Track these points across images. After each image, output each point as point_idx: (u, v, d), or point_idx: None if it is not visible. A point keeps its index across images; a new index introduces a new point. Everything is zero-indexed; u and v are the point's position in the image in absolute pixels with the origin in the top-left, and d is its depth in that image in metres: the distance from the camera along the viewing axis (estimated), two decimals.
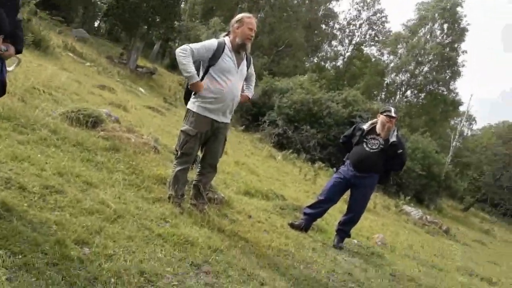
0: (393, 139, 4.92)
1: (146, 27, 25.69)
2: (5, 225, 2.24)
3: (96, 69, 17.94)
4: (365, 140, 5.00)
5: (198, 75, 3.76)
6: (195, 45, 3.75)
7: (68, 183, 3.20)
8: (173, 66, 32.65)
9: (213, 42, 3.81)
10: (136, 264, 2.40)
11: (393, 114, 4.91)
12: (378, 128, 4.97)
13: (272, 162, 13.37)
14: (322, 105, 18.89)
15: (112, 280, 2.16)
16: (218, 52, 3.75)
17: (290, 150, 16.87)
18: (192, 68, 3.64)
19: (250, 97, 4.19)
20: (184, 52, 3.64)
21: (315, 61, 45.86)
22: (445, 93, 37.61)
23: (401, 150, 4.93)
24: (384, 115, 4.93)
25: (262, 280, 2.98)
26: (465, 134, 43.38)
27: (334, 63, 46.18)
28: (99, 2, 33.98)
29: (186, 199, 4.02)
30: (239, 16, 3.93)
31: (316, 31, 42.17)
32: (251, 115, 20.60)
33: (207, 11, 35.28)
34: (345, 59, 45.13)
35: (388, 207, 12.78)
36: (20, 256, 2.03)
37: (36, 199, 2.71)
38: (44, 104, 5.54)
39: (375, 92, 39.88)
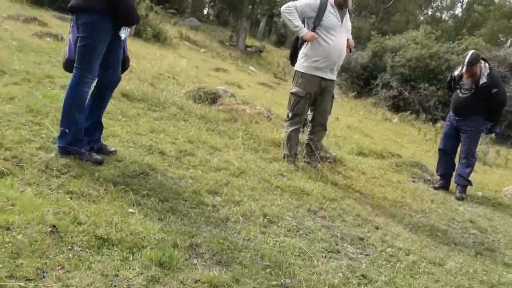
0: (483, 80, 4.80)
1: (250, 6, 26.33)
2: (152, 180, 2.75)
3: (210, 53, 19.13)
4: (458, 86, 5.10)
5: None
6: (299, 3, 3.94)
7: (198, 148, 3.71)
8: (280, 42, 32.99)
9: (316, 0, 3.93)
10: (259, 208, 2.76)
11: (464, 69, 4.86)
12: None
13: (388, 124, 12.98)
14: (441, 59, 17.45)
15: (241, 219, 2.54)
16: (321, 10, 3.89)
17: (408, 112, 16.07)
18: (298, 22, 3.85)
19: (352, 43, 4.22)
20: (289, 9, 3.89)
21: (430, 13, 42.24)
22: None
23: (495, 89, 4.80)
24: (461, 66, 4.94)
25: (377, 225, 3.14)
26: None
27: (451, 12, 42.04)
28: None
29: (300, 159, 4.30)
30: None
31: None
32: (362, 79, 19.96)
33: None
34: (463, 6, 40.74)
35: None
36: (166, 202, 2.50)
37: (173, 161, 3.23)
38: (170, 86, 6.27)
39: (502, 38, 35.42)
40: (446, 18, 41.67)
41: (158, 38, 14.56)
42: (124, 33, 2.73)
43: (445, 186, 5.14)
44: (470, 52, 4.96)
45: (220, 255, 2.04)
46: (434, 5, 42.43)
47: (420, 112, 16.46)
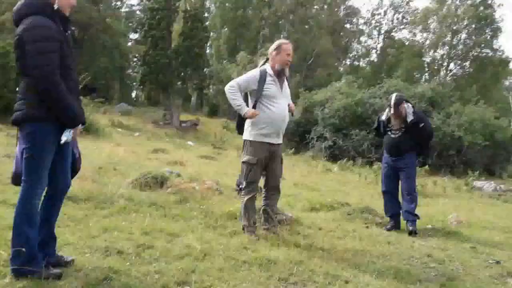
0: (410, 118, 5.24)
1: (180, 82, 26.99)
2: (117, 284, 2.66)
3: (145, 136, 19.14)
4: (388, 128, 5.48)
5: (248, 105, 4.17)
6: (240, 80, 4.20)
7: (155, 239, 3.64)
8: (213, 112, 33.87)
9: (255, 74, 4.20)
10: None
11: (392, 111, 5.29)
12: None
13: (330, 175, 13.48)
14: (366, 105, 18.79)
15: None
16: (261, 81, 4.13)
17: (345, 159, 16.83)
18: (240, 101, 4.08)
19: (293, 107, 4.49)
20: (232, 88, 4.12)
21: (348, 63, 45.61)
22: (490, 54, 35.98)
23: (422, 124, 5.28)
24: (388, 110, 5.40)
25: (346, 279, 3.21)
26: None
27: (368, 59, 45.67)
28: (132, 73, 36.22)
29: (259, 226, 4.34)
30: (276, 43, 4.33)
31: (341, 33, 42.18)
32: (298, 136, 20.84)
33: (232, 48, 36.48)
34: (378, 52, 44.46)
35: (459, 188, 12.38)
36: None
37: (134, 258, 3.15)
38: (113, 179, 6.18)
39: (417, 75, 38.85)
40: (364, 65, 45.10)
41: (90, 129, 14.39)
42: (66, 136, 2.65)
43: (396, 226, 5.37)
44: (394, 95, 5.43)
45: None
46: (351, 55, 45.94)
47: (356, 157, 17.33)
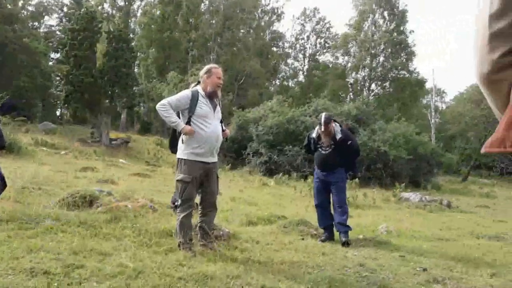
0: (338, 136, 5.57)
1: (107, 101, 26.15)
2: None
3: (73, 154, 18.18)
4: (318, 145, 5.71)
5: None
6: (171, 99, 4.17)
7: (85, 258, 3.44)
8: (146, 129, 33.12)
9: (187, 93, 4.20)
10: None
11: (322, 128, 5.55)
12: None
13: (267, 189, 13.64)
14: (297, 122, 19.42)
15: None
16: (193, 100, 4.14)
17: (281, 174, 17.17)
18: (174, 117, 4.04)
19: (227, 133, 4.56)
20: (163, 106, 4.07)
21: (278, 83, 47.05)
22: (407, 76, 38.90)
23: (350, 141, 5.61)
24: (317, 127, 5.68)
25: None
26: (440, 109, 44.71)
27: (296, 79, 47.49)
28: (55, 92, 34.46)
29: (195, 243, 4.26)
30: (207, 67, 4.41)
31: (269, 55, 43.52)
32: (234, 152, 20.97)
33: (162, 68, 36.13)
34: (305, 73, 46.47)
35: (388, 199, 13.09)
36: None
37: (62, 278, 2.94)
38: (38, 199, 5.79)
39: (342, 95, 40.99)
40: (293, 86, 46.78)
41: (11, 149, 13.42)
42: None
43: (330, 237, 5.53)
44: (323, 114, 5.72)
45: None
46: (280, 76, 47.54)
47: (291, 171, 17.75)
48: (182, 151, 4.14)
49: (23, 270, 3.00)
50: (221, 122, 4.43)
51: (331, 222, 5.63)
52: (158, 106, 4.11)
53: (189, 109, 4.12)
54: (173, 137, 4.34)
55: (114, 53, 25.19)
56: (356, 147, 5.80)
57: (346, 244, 5.24)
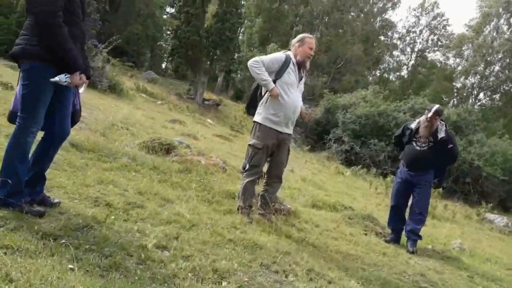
0: (441, 135, 4.97)
1: (208, 62, 26.96)
2: (96, 233, 2.61)
3: (167, 106, 19.16)
4: (414, 139, 5.13)
5: (263, 90, 4.11)
6: (265, 57, 4.08)
7: (148, 200, 3.59)
8: (238, 96, 33.82)
9: (281, 56, 4.10)
10: (210, 263, 2.65)
11: (429, 115, 4.94)
12: (420, 126, 5.07)
13: (341, 178, 13.28)
14: (389, 117, 18.47)
15: (189, 275, 2.42)
16: (284, 65, 4.04)
17: (360, 166, 16.59)
18: (266, 76, 3.95)
19: (311, 116, 4.42)
20: (256, 63, 3.98)
21: (378, 74, 45.08)
22: None
23: (451, 145, 5.00)
24: (424, 116, 5.04)
25: (330, 279, 3.09)
26: None
27: (398, 73, 45.12)
28: (164, 44, 36.35)
29: (254, 211, 4.25)
30: (300, 36, 4.26)
31: (375, 43, 41.63)
32: (316, 134, 20.64)
33: (264, 39, 36.28)
34: (409, 68, 43.93)
35: (470, 217, 12.08)
36: (110, 258, 2.35)
37: (121, 213, 3.09)
38: (123, 137, 6.16)
39: (445, 98, 38.18)
40: (393, 79, 44.60)
41: (114, 89, 14.48)
42: (59, 77, 2.60)
43: (396, 240, 5.18)
44: (436, 105, 5.11)
45: None
46: (382, 66, 45.45)
47: (371, 166, 17.07)
48: (259, 115, 4.09)
49: (88, 197, 3.19)
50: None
51: (402, 226, 5.25)
52: (250, 62, 4.01)
53: (277, 73, 4.02)
54: (253, 98, 4.29)
55: (223, 15, 25.69)
56: (456, 153, 5.21)
57: (412, 253, 4.87)
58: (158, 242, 2.73)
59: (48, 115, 2.67)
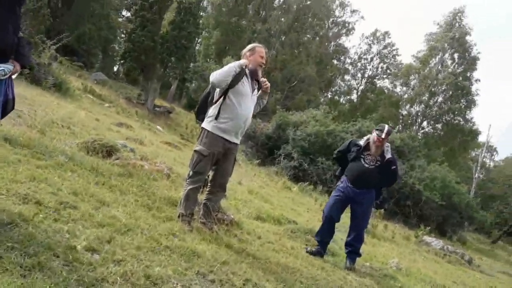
0: (388, 155, 5.04)
1: (162, 69, 26.58)
2: (21, 231, 2.41)
3: (115, 109, 18.56)
4: (362, 156, 5.09)
5: (214, 97, 4.05)
6: (217, 71, 4.02)
7: (82, 201, 3.38)
8: (190, 105, 33.46)
9: (235, 66, 4.03)
10: (143, 268, 2.53)
11: (383, 136, 4.97)
12: (370, 144, 5.08)
13: (288, 193, 13.38)
14: (336, 137, 18.95)
15: (119, 280, 2.28)
16: (239, 76, 4.00)
17: (307, 183, 16.82)
18: (224, 67, 3.95)
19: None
20: (212, 75, 3.97)
21: (329, 96, 46.45)
22: (462, 123, 37.41)
23: (394, 167, 5.07)
24: (376, 134, 5.02)
25: None
26: (487, 165, 42.70)
27: (348, 97, 46.73)
28: (116, 47, 35.44)
29: (196, 219, 4.14)
30: (250, 45, 4.29)
31: (328, 66, 42.97)
32: (267, 148, 20.76)
33: (221, 51, 36.42)
34: (358, 93, 45.65)
35: (408, 238, 12.53)
36: (34, 257, 2.18)
37: (51, 213, 2.89)
38: (62, 136, 5.85)
39: (391, 124, 39.91)
40: (343, 102, 46.12)
41: (59, 87, 13.80)
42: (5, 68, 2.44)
43: (321, 253, 5.07)
44: (386, 125, 5.14)
45: None
46: (333, 89, 46.95)
47: (318, 183, 17.36)
48: (208, 122, 4.02)
49: (17, 194, 2.97)
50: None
51: (330, 239, 5.25)
52: (211, 79, 3.96)
53: (232, 82, 3.98)
54: (203, 104, 4.23)
55: (180, 24, 25.55)
56: (398, 175, 5.28)
57: (350, 269, 4.91)
58: (88, 245, 2.57)
59: None
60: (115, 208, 3.53)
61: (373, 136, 5.06)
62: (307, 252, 4.98)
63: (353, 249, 5.10)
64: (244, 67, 4.01)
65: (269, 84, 4.26)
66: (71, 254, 2.36)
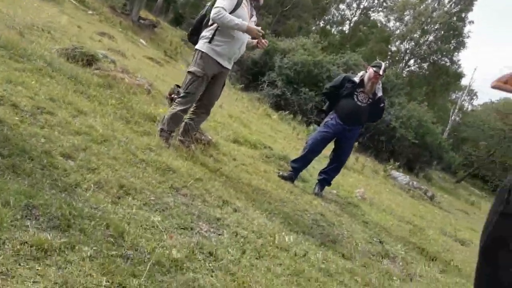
0: (379, 93, 5.10)
1: None
2: None
3: (98, 17, 17.75)
4: (355, 93, 5.08)
5: (210, 19, 3.91)
6: (222, 2, 3.81)
7: (60, 108, 3.38)
8: (177, 21, 32.21)
9: None
10: (117, 178, 2.61)
11: (380, 72, 4.98)
12: (365, 81, 5.08)
13: (267, 120, 13.52)
14: (323, 68, 18.82)
15: (93, 187, 2.37)
16: (239, 0, 3.88)
17: (287, 112, 16.97)
18: (235, 19, 3.76)
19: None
20: (220, 13, 3.75)
21: (321, 25, 45.21)
22: (448, 64, 37.39)
23: (383, 104, 5.19)
24: (373, 70, 5.01)
25: (236, 208, 3.20)
26: (465, 109, 43.50)
27: (340, 27, 45.60)
28: None
29: (174, 137, 4.20)
30: None
31: None
32: (252, 74, 20.55)
33: None
34: (351, 24, 44.52)
35: (377, 172, 13.05)
36: (8, 159, 2.22)
37: (27, 117, 2.90)
38: (42, 40, 5.67)
39: (378, 59, 39.58)
40: (335, 33, 45.02)
41: None
42: None
43: (292, 179, 5.19)
44: (382, 62, 5.14)
45: (59, 220, 1.86)
46: (326, 18, 45.53)
47: (298, 113, 17.53)
48: (204, 44, 3.95)
49: None
50: None
51: (304, 169, 5.45)
52: (213, 15, 3.78)
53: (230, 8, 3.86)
54: (197, 26, 4.13)
55: None
56: (383, 113, 5.39)
57: (318, 196, 5.16)
58: (63, 151, 2.62)
59: None
60: (92, 118, 3.55)
61: (370, 72, 5.03)
62: (278, 176, 5.15)
63: (327, 178, 5.32)
64: (246, 28, 3.82)
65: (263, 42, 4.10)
66: (46, 159, 2.41)
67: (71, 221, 1.90)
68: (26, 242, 1.60)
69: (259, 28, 3.94)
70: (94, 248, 1.77)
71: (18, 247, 1.57)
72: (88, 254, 1.71)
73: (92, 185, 2.39)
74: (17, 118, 2.76)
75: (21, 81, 3.55)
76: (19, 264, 1.52)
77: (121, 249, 1.88)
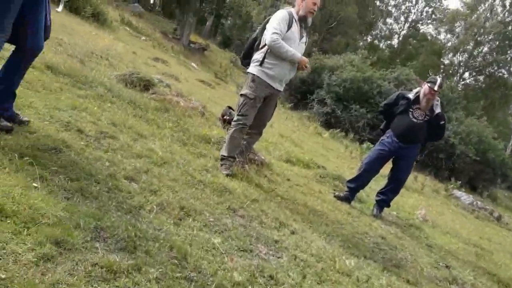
0: (438, 110, 4.88)
1: (198, 3, 26.00)
2: (64, 157, 2.55)
3: (151, 43, 18.54)
4: (410, 110, 4.92)
5: (261, 42, 4.00)
6: (276, 28, 3.86)
7: (121, 132, 3.51)
8: (225, 43, 33.01)
9: (285, 14, 3.94)
10: (177, 200, 2.66)
11: (435, 88, 4.77)
12: (420, 97, 4.90)
13: (318, 138, 13.38)
14: (373, 84, 18.42)
15: (155, 208, 2.42)
16: (289, 22, 3.93)
17: (338, 129, 16.71)
18: (291, 49, 3.87)
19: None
20: (278, 42, 3.83)
21: (369, 40, 44.64)
22: (506, 76, 35.53)
23: (443, 122, 4.93)
24: (428, 86, 4.84)
25: (293, 230, 3.15)
26: None
27: (388, 42, 44.82)
28: None
29: (237, 163, 4.13)
30: None
31: (370, 8, 40.81)
32: (300, 93, 20.53)
33: None
34: (400, 38, 43.63)
35: (438, 191, 12.45)
36: (76, 182, 2.32)
37: (92, 141, 3.03)
38: (101, 67, 5.96)
39: (431, 73, 38.36)
40: (383, 47, 44.26)
41: (97, 18, 13.85)
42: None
43: (348, 199, 5.06)
44: (438, 78, 4.96)
45: (125, 241, 1.90)
46: (374, 33, 44.94)
47: (349, 131, 17.21)
48: (255, 67, 3.99)
49: (60, 121, 3.10)
50: None
51: (361, 189, 5.29)
52: (270, 42, 3.84)
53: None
54: (249, 49, 4.18)
55: None
56: (444, 131, 5.14)
57: (377, 217, 4.96)
58: (126, 174, 2.71)
59: (20, 28, 2.52)
60: (151, 141, 3.66)
61: (425, 88, 4.85)
62: (334, 196, 5.04)
63: (385, 199, 5.12)
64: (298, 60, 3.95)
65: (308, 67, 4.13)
66: (111, 182, 2.49)
67: (137, 242, 1.94)
68: (96, 264, 1.64)
69: (307, 60, 4.00)
70: (160, 270, 1.79)
71: (89, 268, 1.61)
72: (154, 276, 1.73)
73: (154, 206, 2.44)
74: (82, 143, 2.89)
75: (85, 107, 3.73)
76: (91, 286, 1.56)
77: (184, 271, 1.88)
